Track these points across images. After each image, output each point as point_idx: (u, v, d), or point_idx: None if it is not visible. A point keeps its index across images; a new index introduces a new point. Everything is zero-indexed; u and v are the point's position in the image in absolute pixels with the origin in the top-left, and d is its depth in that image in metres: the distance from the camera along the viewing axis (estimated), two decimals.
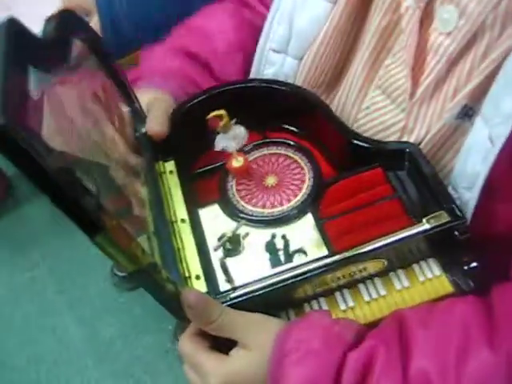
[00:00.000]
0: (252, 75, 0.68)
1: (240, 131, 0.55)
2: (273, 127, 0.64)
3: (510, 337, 0.43)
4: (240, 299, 0.48)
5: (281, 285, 0.48)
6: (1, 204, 1.33)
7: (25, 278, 1.37)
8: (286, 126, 0.63)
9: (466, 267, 0.50)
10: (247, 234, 0.53)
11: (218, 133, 0.56)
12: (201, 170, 0.61)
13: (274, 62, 0.66)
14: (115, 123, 0.54)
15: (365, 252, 0.49)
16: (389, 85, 0.59)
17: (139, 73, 0.67)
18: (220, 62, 0.69)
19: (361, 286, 0.51)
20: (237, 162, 0.56)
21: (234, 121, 0.55)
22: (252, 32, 0.68)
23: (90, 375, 1.22)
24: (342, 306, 0.51)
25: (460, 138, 0.54)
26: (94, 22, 0.98)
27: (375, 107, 0.61)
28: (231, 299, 0.48)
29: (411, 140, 0.57)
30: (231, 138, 0.55)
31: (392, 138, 0.59)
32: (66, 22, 0.46)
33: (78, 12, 0.91)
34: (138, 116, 0.58)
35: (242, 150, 0.58)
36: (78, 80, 0.49)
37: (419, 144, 0.57)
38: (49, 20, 0.44)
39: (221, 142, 0.56)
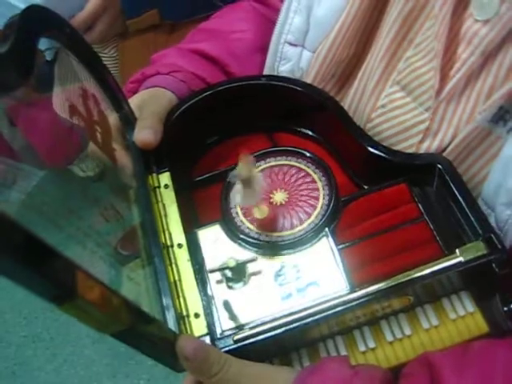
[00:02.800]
0: (266, 71, 0.61)
1: (260, 180, 0.46)
2: (282, 129, 0.57)
3: None
4: (246, 342, 0.42)
5: (293, 326, 0.42)
6: None
7: None
8: (297, 129, 0.56)
9: (505, 308, 0.43)
10: (254, 263, 0.46)
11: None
12: (200, 179, 0.55)
13: (291, 56, 0.59)
14: (97, 137, 0.47)
15: (390, 290, 0.42)
16: (410, 80, 0.52)
17: (143, 74, 0.60)
18: (240, 64, 0.62)
19: (383, 324, 0.45)
20: (260, 213, 0.48)
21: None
22: (270, 28, 0.60)
23: (88, 355, 1.19)
24: (362, 347, 0.44)
25: (493, 145, 0.48)
26: None
27: (393, 105, 0.54)
28: (235, 341, 0.42)
29: (435, 143, 0.51)
30: (252, 192, 0.46)
31: (412, 141, 0.52)
32: (30, 22, 0.38)
33: None
34: (129, 122, 0.51)
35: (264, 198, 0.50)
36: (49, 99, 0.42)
37: (444, 149, 0.50)
38: (9, 26, 0.36)
39: (238, 197, 0.46)
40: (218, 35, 0.65)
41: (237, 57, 0.63)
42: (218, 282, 0.46)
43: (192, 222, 0.50)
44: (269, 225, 0.48)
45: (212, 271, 0.46)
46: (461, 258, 0.42)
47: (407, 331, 0.44)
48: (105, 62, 0.46)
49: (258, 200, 0.47)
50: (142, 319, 0.35)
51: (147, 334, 0.36)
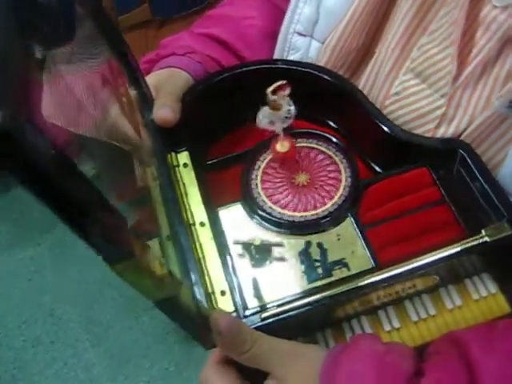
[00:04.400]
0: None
1: (291, 109, 0.47)
2: (300, 115, 0.56)
3: None
4: (272, 319, 0.41)
5: (318, 304, 0.42)
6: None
7: (24, 257, 1.31)
8: (315, 115, 0.56)
9: None
10: (279, 242, 0.46)
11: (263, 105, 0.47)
12: (219, 159, 0.54)
13: (300, 46, 0.59)
14: (124, 107, 0.46)
15: (416, 268, 0.42)
16: (425, 67, 0.52)
17: (157, 55, 0.59)
18: (251, 49, 0.62)
19: (407, 304, 0.45)
20: (282, 147, 0.48)
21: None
22: (280, 16, 0.60)
23: (88, 358, 1.17)
24: (387, 327, 0.44)
25: (509, 130, 0.48)
26: None
27: (407, 92, 0.54)
28: (262, 319, 0.41)
29: (451, 129, 0.51)
30: (279, 117, 0.46)
31: (427, 128, 0.52)
32: None
33: None
34: (146, 101, 0.50)
35: (289, 133, 0.50)
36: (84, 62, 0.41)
37: (460, 135, 0.50)
38: None
39: (266, 119, 0.47)
40: (228, 21, 0.65)
41: (248, 42, 0.63)
42: (243, 260, 0.45)
43: (212, 202, 0.49)
44: (289, 160, 0.49)
45: (237, 249, 0.45)
46: (486, 238, 0.43)
47: (431, 311, 0.45)
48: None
49: (285, 125, 0.48)
50: (180, 289, 0.35)
51: (185, 306, 0.35)
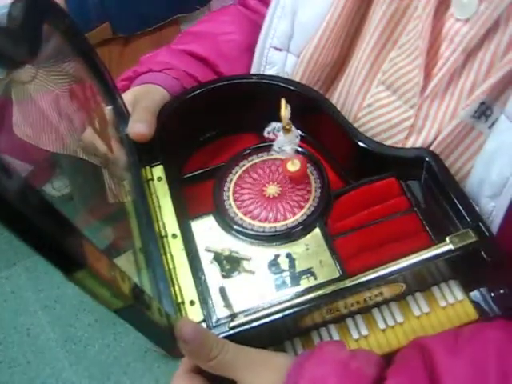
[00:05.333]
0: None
1: (296, 133, 0.48)
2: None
3: None
4: (241, 328, 0.42)
5: (287, 312, 0.42)
6: None
7: None
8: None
9: (492, 293, 0.44)
10: (248, 252, 0.47)
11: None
12: (192, 174, 0.55)
13: (276, 61, 0.60)
14: (95, 124, 0.47)
15: (382, 276, 0.43)
16: (395, 79, 0.54)
17: (134, 72, 0.60)
18: (228, 64, 0.64)
19: (375, 312, 0.46)
20: (293, 166, 0.49)
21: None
22: (256, 31, 0.62)
23: (66, 377, 1.17)
24: (355, 335, 0.45)
25: (476, 140, 0.49)
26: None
27: (378, 104, 0.55)
28: (231, 328, 0.42)
29: (420, 140, 0.52)
30: (288, 141, 0.48)
31: (397, 138, 0.53)
32: (35, 6, 0.39)
33: None
34: (122, 115, 0.52)
35: (298, 152, 0.52)
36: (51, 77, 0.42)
37: (430, 145, 0.51)
38: (15, 3, 0.37)
39: (287, 145, 0.49)
40: (206, 37, 0.66)
41: (225, 57, 0.64)
42: (213, 270, 0.46)
43: (186, 213, 0.50)
44: (300, 178, 0.50)
45: (207, 260, 0.46)
46: (451, 246, 0.43)
47: (399, 319, 0.45)
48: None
49: (295, 147, 0.49)
50: (141, 297, 0.35)
51: (147, 314, 0.36)
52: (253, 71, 0.63)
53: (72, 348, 1.23)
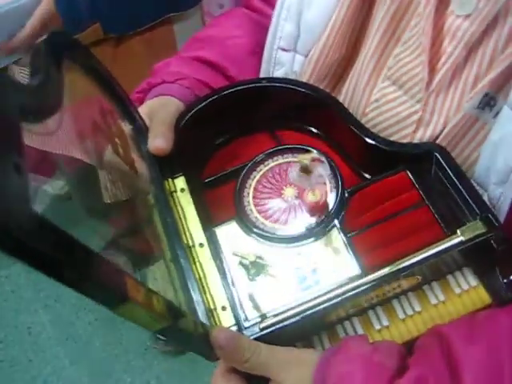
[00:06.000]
0: (262, 76, 0.64)
1: (323, 175, 0.51)
2: (285, 127, 0.60)
3: None
4: (271, 329, 0.45)
5: (312, 311, 0.45)
6: None
7: None
8: (299, 126, 0.60)
9: (505, 280, 0.47)
10: (272, 255, 0.50)
11: None
12: (213, 178, 0.58)
13: (284, 61, 0.62)
14: (118, 149, 0.50)
15: (400, 271, 0.46)
16: (400, 75, 0.55)
17: (148, 84, 0.63)
18: (237, 67, 0.66)
19: (395, 303, 0.49)
20: (312, 196, 0.51)
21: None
22: (263, 32, 0.63)
23: (67, 375, 1.20)
24: (377, 326, 0.48)
25: (481, 130, 0.51)
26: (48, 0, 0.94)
27: (385, 99, 0.57)
28: (261, 329, 0.46)
29: (428, 133, 0.54)
30: (308, 180, 0.51)
31: (406, 132, 0.56)
32: (55, 50, 0.42)
33: None
34: (141, 132, 0.54)
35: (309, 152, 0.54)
36: (75, 110, 0.45)
37: (437, 137, 0.53)
38: (35, 55, 0.40)
39: (296, 176, 0.52)
40: (215, 42, 0.68)
41: (235, 61, 0.66)
42: (241, 275, 0.49)
43: (210, 221, 0.53)
44: (320, 209, 0.52)
45: (234, 266, 0.50)
46: (462, 238, 0.46)
47: (417, 308, 0.48)
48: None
49: (313, 185, 0.51)
50: (178, 316, 0.39)
51: (185, 328, 0.40)
52: (262, 73, 0.65)
53: (73, 346, 1.26)
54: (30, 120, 0.32)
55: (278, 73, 0.64)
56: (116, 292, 0.32)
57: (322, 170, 0.51)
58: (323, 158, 0.51)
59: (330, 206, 0.52)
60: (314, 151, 0.54)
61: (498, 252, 0.46)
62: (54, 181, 1.57)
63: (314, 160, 0.50)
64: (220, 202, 0.56)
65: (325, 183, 0.52)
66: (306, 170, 0.50)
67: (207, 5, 1.21)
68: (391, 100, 0.57)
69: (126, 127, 0.54)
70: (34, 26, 0.95)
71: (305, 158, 0.50)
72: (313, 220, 0.51)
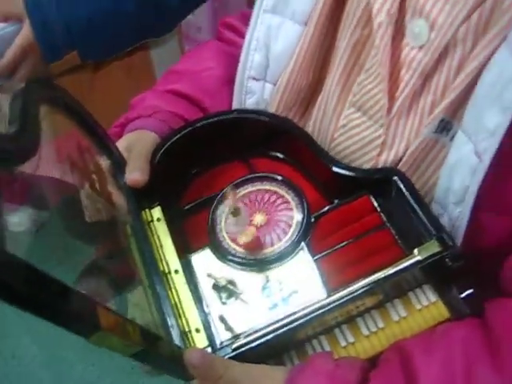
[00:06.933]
0: (234, 105, 0.68)
1: (245, 212, 0.55)
2: (257, 155, 0.63)
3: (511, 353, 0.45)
4: (242, 349, 0.48)
5: (281, 331, 0.48)
6: None
7: None
8: (272, 154, 0.63)
9: (461, 295, 0.50)
10: (242, 279, 0.53)
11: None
12: (189, 207, 0.61)
13: (255, 90, 0.66)
14: (95, 186, 0.53)
15: (362, 290, 0.49)
16: (364, 101, 0.59)
17: (126, 119, 0.66)
18: (212, 98, 0.69)
19: (359, 320, 0.52)
20: (246, 237, 0.54)
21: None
22: (235, 63, 0.67)
23: None
24: (343, 343, 0.51)
25: (440, 153, 0.55)
26: (26, 28, 0.97)
27: (352, 124, 0.60)
28: (233, 350, 0.48)
29: (391, 156, 0.57)
30: (238, 223, 0.54)
31: (371, 155, 0.59)
32: (33, 93, 0.45)
33: (8, 19, 0.90)
34: (119, 165, 0.58)
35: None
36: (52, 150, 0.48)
37: (400, 160, 0.57)
38: (15, 97, 0.43)
39: (231, 225, 0.55)
40: (189, 75, 0.72)
41: (209, 93, 0.70)
42: (213, 299, 0.52)
43: (186, 248, 0.56)
44: (255, 246, 0.55)
45: (208, 290, 0.53)
46: (419, 257, 0.49)
47: (380, 324, 0.51)
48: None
49: (245, 226, 0.54)
50: (152, 340, 0.42)
51: (159, 352, 0.42)
52: (235, 101, 0.69)
53: (57, 369, 1.26)
54: (5, 166, 0.35)
55: (250, 101, 0.67)
56: (88, 322, 0.35)
57: (246, 210, 0.55)
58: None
59: (297, 230, 0.55)
60: (236, 190, 0.57)
61: (453, 269, 0.50)
62: (22, 211, 1.56)
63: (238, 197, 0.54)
64: (196, 229, 0.59)
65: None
66: (236, 213, 0.54)
67: (186, 28, 1.25)
68: (357, 125, 0.60)
69: (104, 162, 0.57)
70: (13, 54, 0.99)
71: (232, 200, 0.53)
72: (281, 245, 0.54)
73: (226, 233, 0.56)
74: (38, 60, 1.00)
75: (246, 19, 0.67)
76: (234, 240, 0.55)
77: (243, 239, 0.54)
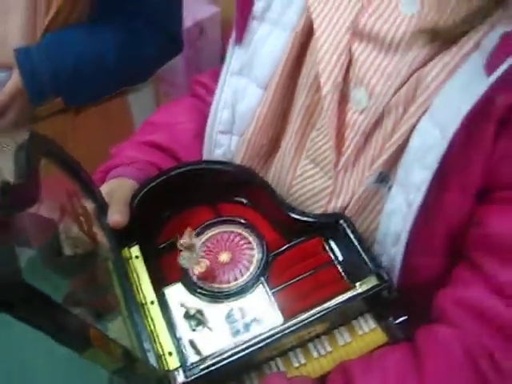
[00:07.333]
0: (204, 156, 0.77)
1: (198, 248, 0.63)
2: (223, 200, 0.72)
3: (435, 373, 0.54)
4: (209, 369, 0.56)
5: (242, 353, 0.56)
6: None
7: None
8: (237, 199, 0.72)
9: (396, 321, 0.59)
10: (209, 309, 0.61)
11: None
12: (162, 246, 0.69)
13: (223, 143, 0.75)
14: (83, 226, 0.61)
15: (312, 319, 0.57)
16: (316, 155, 0.68)
17: (107, 167, 0.75)
18: (185, 149, 0.79)
19: (310, 345, 0.60)
20: (200, 268, 0.63)
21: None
22: (205, 119, 0.77)
23: None
24: (296, 364, 0.59)
25: (380, 200, 0.63)
26: (16, 76, 1.06)
27: (306, 175, 0.70)
28: (201, 370, 0.56)
29: (339, 203, 0.66)
30: (192, 256, 0.62)
31: (322, 202, 0.68)
32: (34, 147, 0.53)
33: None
34: (103, 209, 0.66)
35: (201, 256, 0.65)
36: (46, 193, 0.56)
37: (346, 207, 0.66)
38: (19, 149, 0.51)
39: (185, 260, 0.63)
40: (164, 127, 0.81)
41: (182, 144, 0.79)
42: (184, 326, 0.60)
43: (160, 282, 0.64)
44: (208, 276, 0.64)
45: (179, 318, 0.61)
46: (360, 290, 0.58)
47: (328, 348, 0.60)
48: None
49: (198, 261, 0.63)
50: (131, 359, 0.49)
51: (137, 370, 0.50)
52: (205, 152, 0.78)
53: None
54: (11, 213, 0.44)
55: (218, 151, 0.76)
56: (82, 341, 0.42)
57: (200, 243, 0.64)
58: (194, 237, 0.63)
59: (257, 267, 0.63)
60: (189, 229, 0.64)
61: (389, 300, 0.59)
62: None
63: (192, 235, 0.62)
64: (169, 265, 0.67)
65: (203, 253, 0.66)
66: (189, 248, 0.62)
67: (162, 73, 1.35)
68: (310, 176, 0.69)
69: (90, 205, 0.65)
70: (3, 99, 1.07)
71: (187, 237, 0.62)
72: (243, 280, 0.63)
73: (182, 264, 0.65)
74: (25, 104, 1.09)
75: (216, 77, 0.77)
76: (202, 276, 0.64)
77: (198, 269, 0.63)
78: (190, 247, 0.61)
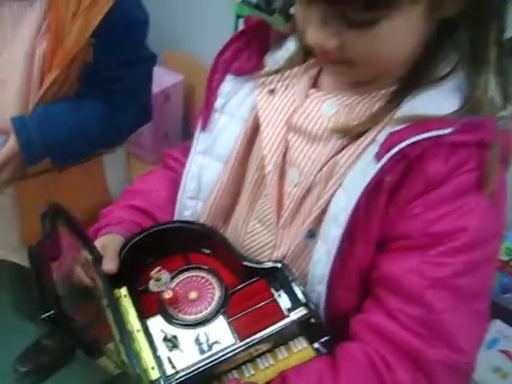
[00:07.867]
0: (176, 216, 0.97)
1: (167, 277, 0.84)
2: (193, 251, 0.93)
3: (346, 373, 0.74)
4: (182, 379, 0.75)
5: (207, 367, 0.76)
6: None
7: None
8: (203, 250, 0.93)
9: (322, 340, 0.80)
10: (182, 334, 0.81)
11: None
12: (144, 287, 0.89)
13: (190, 206, 0.96)
14: (87, 272, 0.81)
15: (258, 340, 0.77)
16: (263, 217, 0.89)
17: (99, 226, 0.95)
18: (161, 211, 0.99)
19: (258, 360, 0.80)
20: (167, 295, 0.83)
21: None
22: (177, 187, 0.97)
23: None
24: (247, 375, 0.79)
25: (311, 251, 0.83)
26: (12, 141, 1.26)
27: (255, 232, 0.90)
28: (176, 380, 0.76)
29: (279, 253, 0.86)
30: (161, 284, 0.83)
31: (267, 253, 0.88)
32: (56, 215, 0.74)
33: None
34: (98, 259, 0.86)
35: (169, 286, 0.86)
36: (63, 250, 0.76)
37: (285, 256, 0.86)
38: (44, 218, 0.71)
39: (155, 287, 0.84)
40: (143, 193, 1.02)
41: (158, 207, 0.99)
42: (163, 347, 0.80)
43: (144, 315, 0.84)
44: (174, 302, 0.84)
45: (159, 342, 0.80)
46: (293, 318, 0.79)
47: (271, 362, 0.79)
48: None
49: (166, 288, 0.83)
50: (125, 367, 0.69)
51: (130, 377, 0.69)
52: (176, 213, 0.98)
53: None
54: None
55: (187, 213, 0.97)
56: (97, 351, 0.62)
57: (167, 277, 0.85)
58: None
59: (218, 302, 0.84)
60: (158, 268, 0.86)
61: (316, 325, 0.80)
62: None
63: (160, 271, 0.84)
64: (151, 302, 0.87)
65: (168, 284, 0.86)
66: (158, 280, 0.83)
67: (131, 136, 1.58)
68: (258, 233, 0.90)
69: (88, 256, 0.85)
70: (1, 161, 1.26)
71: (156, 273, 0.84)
72: (207, 312, 0.83)
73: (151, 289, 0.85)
74: (19, 165, 1.29)
75: (185, 151, 0.98)
76: (168, 302, 0.83)
77: (166, 296, 0.83)
78: (159, 278, 0.83)
